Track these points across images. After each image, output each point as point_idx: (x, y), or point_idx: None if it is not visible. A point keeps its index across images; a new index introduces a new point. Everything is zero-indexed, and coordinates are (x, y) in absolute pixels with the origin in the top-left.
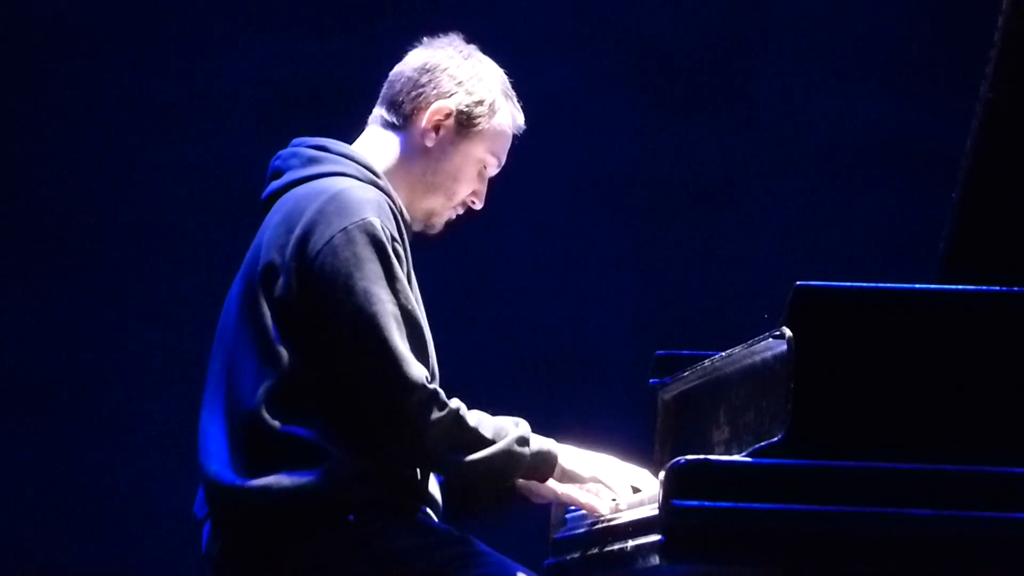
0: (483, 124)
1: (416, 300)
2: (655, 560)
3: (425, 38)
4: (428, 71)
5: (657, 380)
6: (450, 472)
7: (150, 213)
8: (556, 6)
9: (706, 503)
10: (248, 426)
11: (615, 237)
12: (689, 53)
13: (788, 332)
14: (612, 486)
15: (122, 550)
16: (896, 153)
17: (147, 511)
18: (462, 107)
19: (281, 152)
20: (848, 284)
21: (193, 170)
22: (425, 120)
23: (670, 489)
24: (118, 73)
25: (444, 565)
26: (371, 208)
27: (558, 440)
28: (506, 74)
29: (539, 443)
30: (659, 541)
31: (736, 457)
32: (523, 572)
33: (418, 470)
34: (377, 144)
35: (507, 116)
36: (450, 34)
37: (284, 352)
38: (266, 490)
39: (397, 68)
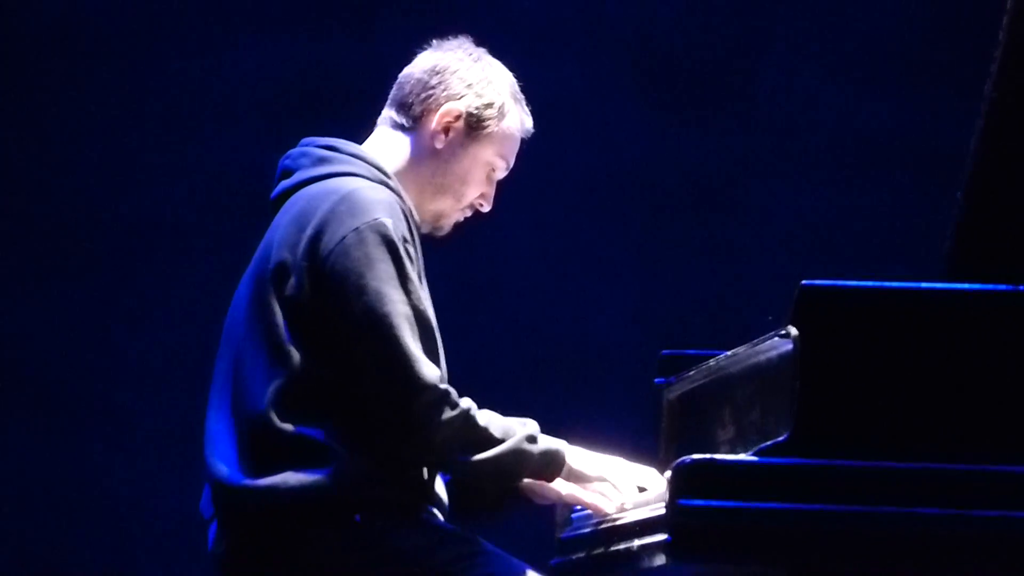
0: (492, 127)
1: (427, 300)
2: (661, 559)
3: (435, 40)
4: (438, 73)
5: (662, 379)
6: (459, 471)
7: (154, 213)
8: (559, 6)
9: (712, 502)
10: (256, 426)
11: (619, 236)
12: (692, 52)
13: (794, 331)
14: (618, 486)
15: (126, 550)
16: (900, 151)
17: (152, 510)
18: (471, 109)
19: (291, 151)
20: (854, 283)
21: (197, 170)
22: (435, 122)
23: (676, 488)
24: (121, 73)
25: (450, 564)
26: (383, 208)
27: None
28: (511, 72)
29: (547, 442)
30: (665, 540)
31: (742, 456)
32: (529, 571)
33: (425, 470)
34: (387, 145)
35: (516, 119)
36: (459, 37)
37: (294, 352)
38: (273, 490)
39: (407, 70)
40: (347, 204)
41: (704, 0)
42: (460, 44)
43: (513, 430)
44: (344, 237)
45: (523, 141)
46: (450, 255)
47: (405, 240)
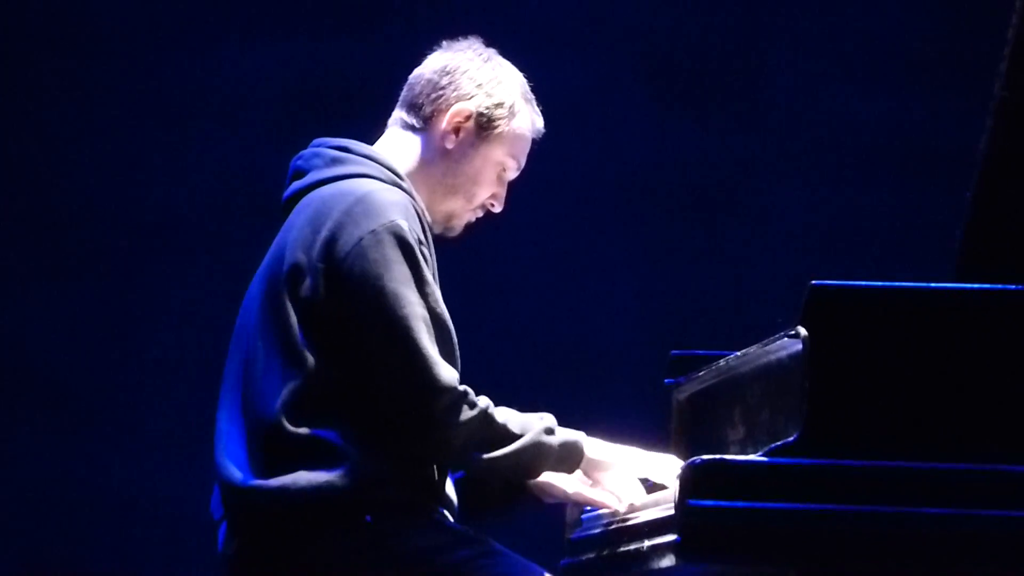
0: (502, 127)
1: (443, 302)
2: (671, 560)
3: (445, 41)
4: (448, 73)
5: (672, 380)
6: (480, 470)
7: (166, 213)
8: (566, 6)
9: (722, 503)
10: (267, 427)
11: (628, 236)
12: (699, 53)
13: (803, 331)
14: (631, 479)
15: (136, 550)
16: (909, 152)
17: (162, 511)
18: (482, 109)
19: (303, 152)
20: (863, 283)
21: (207, 170)
22: (445, 122)
23: (686, 489)
24: (130, 74)
25: (461, 565)
26: (398, 210)
27: None
28: (520, 74)
29: (565, 434)
30: (675, 541)
31: (752, 457)
32: (539, 572)
33: (436, 471)
34: (398, 146)
35: (526, 119)
36: (470, 37)
37: (307, 353)
38: (284, 490)
39: (417, 71)
40: (362, 206)
41: (714, 1)
42: (470, 44)
43: (531, 425)
44: (361, 239)
45: (535, 142)
46: (458, 256)
47: (420, 242)
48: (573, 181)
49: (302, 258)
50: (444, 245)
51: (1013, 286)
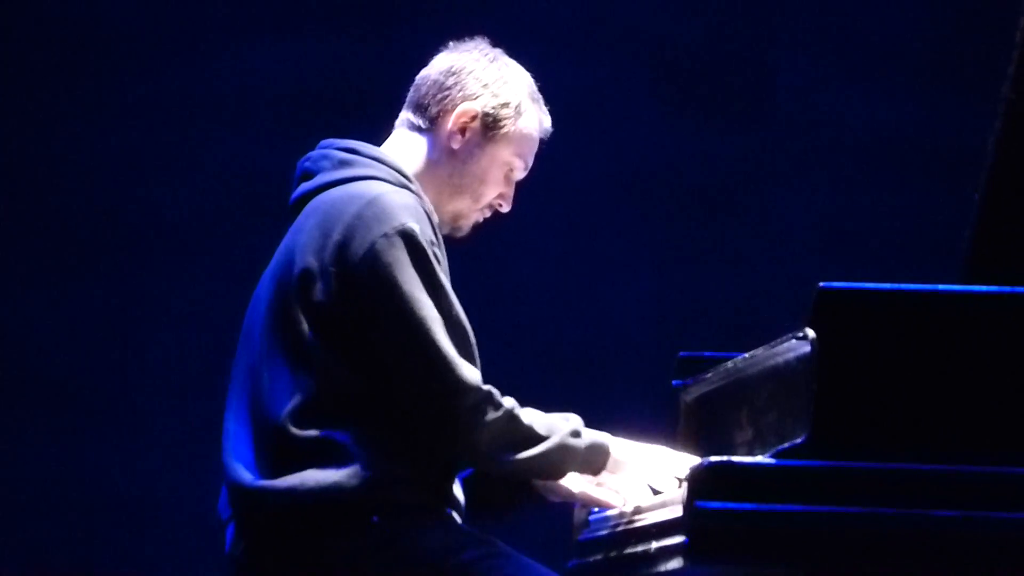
0: (509, 126)
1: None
2: (679, 562)
3: (451, 42)
4: (454, 74)
5: (680, 382)
6: (507, 470)
7: (171, 213)
8: (576, 8)
9: (730, 504)
10: (277, 429)
11: (636, 238)
12: (710, 54)
13: (811, 333)
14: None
15: (144, 551)
16: (918, 154)
17: (169, 512)
18: (488, 109)
19: (310, 154)
20: (872, 285)
21: (212, 172)
22: (451, 122)
23: (694, 490)
24: (135, 75)
25: (468, 566)
26: (409, 213)
27: None
28: (528, 73)
29: (591, 436)
30: (683, 543)
31: (759, 458)
32: (547, 573)
33: (444, 472)
34: (404, 147)
35: (533, 119)
36: (476, 38)
37: (319, 356)
38: (292, 491)
39: (423, 72)
40: (374, 209)
41: (721, 2)
42: (476, 45)
43: (557, 426)
44: (374, 243)
45: (542, 141)
46: (466, 257)
47: (432, 243)
48: (580, 183)
49: (313, 262)
50: (449, 248)
51: (1021, 288)
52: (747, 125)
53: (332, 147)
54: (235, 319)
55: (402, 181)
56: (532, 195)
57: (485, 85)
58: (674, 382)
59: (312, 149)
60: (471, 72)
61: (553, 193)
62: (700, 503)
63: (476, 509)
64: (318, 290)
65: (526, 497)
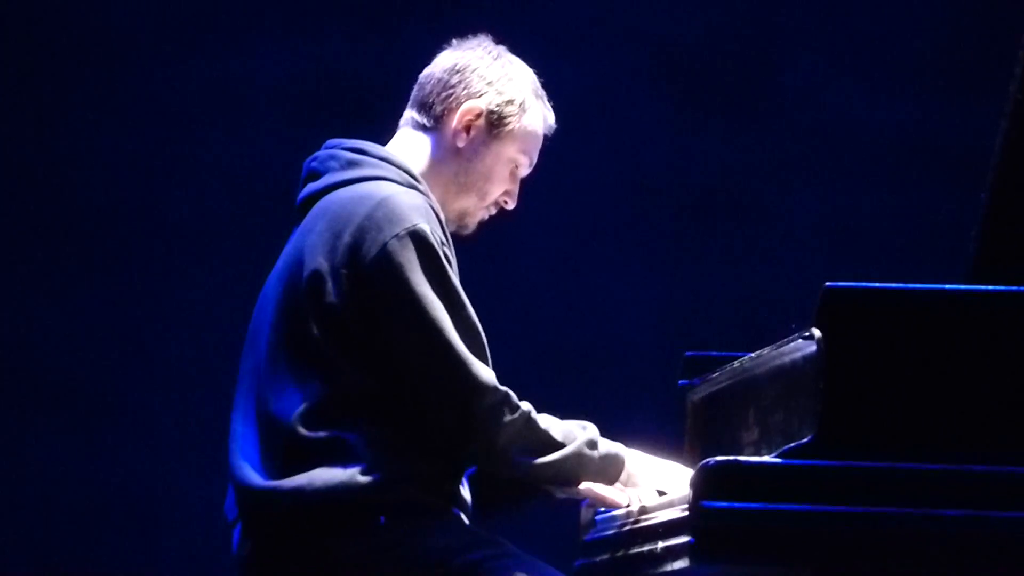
0: (514, 124)
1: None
2: (685, 561)
3: (454, 40)
4: (458, 72)
5: (686, 381)
6: (521, 473)
7: (180, 214)
8: (582, 8)
9: (736, 504)
10: (285, 430)
11: (643, 238)
12: (716, 54)
13: (817, 333)
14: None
15: (151, 551)
16: (924, 154)
17: (176, 512)
18: (492, 107)
19: (317, 154)
20: (878, 285)
21: (221, 171)
22: (456, 121)
23: (700, 490)
24: (141, 76)
25: (475, 566)
26: (420, 214)
27: None
28: (533, 72)
29: (607, 447)
30: (689, 542)
31: (766, 458)
32: (553, 573)
33: (451, 472)
34: (410, 146)
35: (538, 116)
36: (479, 35)
37: (329, 357)
38: (299, 492)
39: (427, 70)
40: (384, 210)
41: (727, 3)
42: (480, 42)
43: (574, 434)
44: (385, 244)
45: (547, 138)
46: (474, 256)
47: (442, 244)
48: (586, 183)
49: (323, 263)
50: (455, 248)
51: None
52: (752, 125)
53: (339, 147)
54: (242, 320)
55: (410, 181)
56: (538, 196)
57: (490, 83)
58: (680, 382)
59: (318, 149)
60: (475, 70)
61: (559, 194)
62: (706, 503)
63: (483, 507)
64: (328, 291)
65: (533, 495)
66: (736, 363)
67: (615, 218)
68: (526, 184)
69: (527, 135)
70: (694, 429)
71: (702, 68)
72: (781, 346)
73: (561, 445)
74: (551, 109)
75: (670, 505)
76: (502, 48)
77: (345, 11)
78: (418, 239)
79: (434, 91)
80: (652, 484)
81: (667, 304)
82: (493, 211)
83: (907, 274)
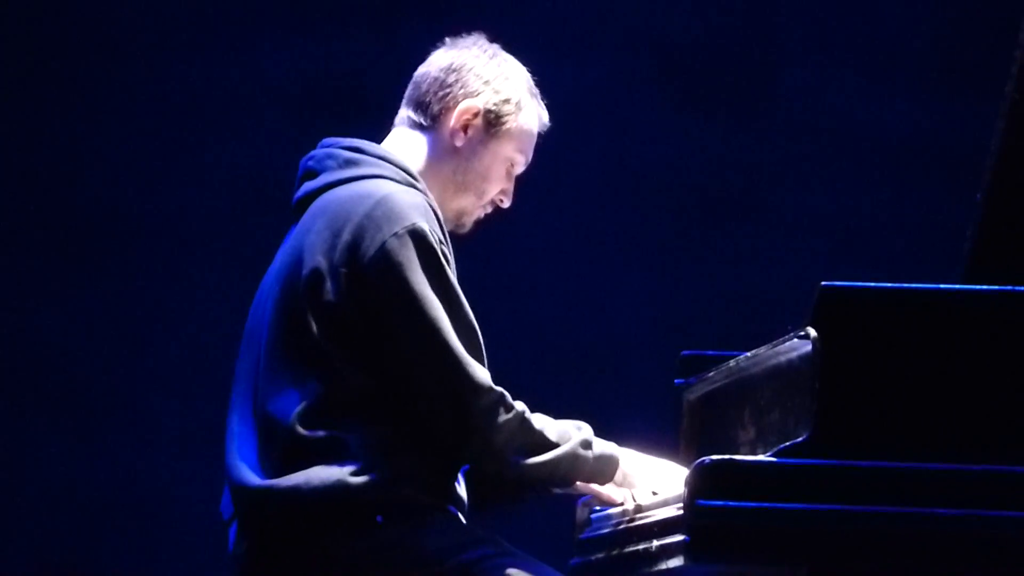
0: (511, 122)
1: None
2: (680, 560)
3: (448, 38)
4: (454, 71)
5: (682, 380)
6: (516, 473)
7: (177, 214)
8: (582, 6)
9: (731, 503)
10: (282, 430)
11: (640, 237)
12: (715, 53)
13: (813, 332)
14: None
15: (150, 550)
16: (921, 153)
17: (176, 511)
18: (490, 106)
19: (313, 153)
20: (874, 284)
21: (221, 171)
22: (454, 120)
23: (695, 489)
24: (142, 76)
25: (472, 565)
26: (419, 213)
27: None
28: (531, 73)
29: (602, 447)
30: (684, 541)
31: (761, 457)
32: (549, 572)
33: (447, 470)
34: (407, 145)
35: (533, 114)
36: (474, 34)
37: (327, 357)
38: (295, 491)
39: (422, 69)
40: (383, 209)
41: (727, 2)
42: (475, 41)
43: (568, 434)
44: (384, 243)
45: (541, 136)
46: (472, 255)
47: (441, 243)
48: (585, 182)
49: (322, 262)
50: (457, 244)
51: (1023, 288)
52: (751, 124)
53: (336, 146)
54: (240, 319)
55: (409, 180)
56: (536, 194)
57: (486, 82)
58: (676, 381)
59: (315, 148)
60: (471, 69)
61: (557, 192)
62: (702, 501)
63: (479, 505)
64: (327, 290)
65: (529, 492)
66: (732, 362)
67: (613, 217)
68: (524, 182)
69: (523, 133)
70: (690, 428)
71: (702, 67)
72: (777, 345)
73: (556, 445)
74: (544, 107)
75: (665, 504)
76: (496, 46)
77: (346, 11)
78: (417, 238)
79: (430, 90)
80: (648, 484)
81: (663, 303)
82: (489, 209)
83: (903, 274)
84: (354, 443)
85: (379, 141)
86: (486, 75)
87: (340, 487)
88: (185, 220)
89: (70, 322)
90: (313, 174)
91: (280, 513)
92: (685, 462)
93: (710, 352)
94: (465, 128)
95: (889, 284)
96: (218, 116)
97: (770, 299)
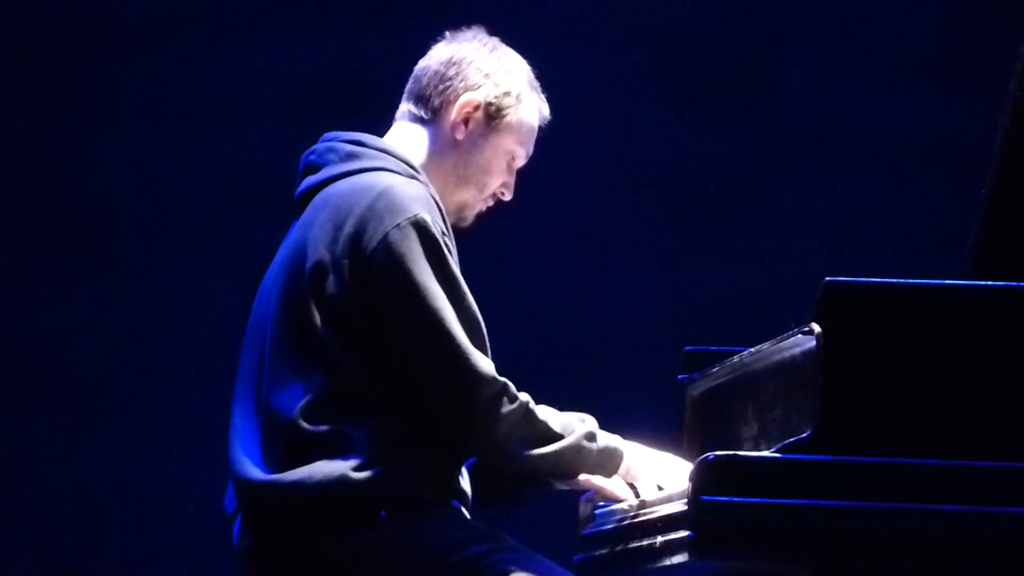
0: (511, 115)
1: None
2: (684, 556)
3: (448, 32)
4: (455, 64)
5: (686, 376)
6: (519, 465)
7: (180, 211)
8: (582, 3)
9: (735, 499)
10: (286, 424)
11: (643, 233)
12: (717, 50)
13: (817, 328)
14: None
15: (153, 545)
16: (925, 149)
17: (178, 507)
18: (490, 99)
19: (315, 147)
20: (877, 280)
21: (223, 168)
22: (454, 113)
23: (699, 484)
24: (142, 73)
25: (475, 560)
26: (421, 204)
27: None
28: (533, 69)
29: (606, 440)
30: (688, 536)
31: (765, 453)
32: (553, 567)
33: (452, 465)
34: (408, 139)
35: (533, 107)
36: (473, 27)
37: (332, 350)
38: (299, 485)
39: (422, 63)
40: (385, 200)
41: (728, 0)
42: (474, 35)
43: (572, 426)
44: (387, 234)
45: (542, 130)
46: (474, 251)
47: (443, 234)
48: (588, 178)
49: (325, 255)
50: (459, 239)
51: None
52: (753, 121)
53: (337, 140)
54: (241, 318)
55: (410, 172)
56: (539, 191)
57: (487, 75)
58: (680, 376)
59: (315, 144)
60: (471, 62)
61: (559, 189)
62: (705, 497)
63: (483, 499)
64: (331, 283)
65: (533, 486)
66: (735, 358)
67: (616, 213)
68: (527, 179)
69: (524, 126)
70: (693, 424)
71: (703, 65)
72: (780, 341)
73: (559, 437)
74: (544, 100)
75: (669, 499)
76: (496, 40)
77: (347, 10)
78: (419, 229)
79: (431, 84)
80: (651, 478)
81: (667, 299)
82: (491, 203)
83: (907, 269)
84: (357, 437)
85: (377, 136)
86: (486, 68)
87: (343, 482)
88: (186, 219)
89: (71, 320)
90: (315, 168)
91: (284, 508)
92: (688, 458)
93: (713, 348)
94: (466, 121)
95: (893, 280)
96: (218, 115)
97: (773, 295)
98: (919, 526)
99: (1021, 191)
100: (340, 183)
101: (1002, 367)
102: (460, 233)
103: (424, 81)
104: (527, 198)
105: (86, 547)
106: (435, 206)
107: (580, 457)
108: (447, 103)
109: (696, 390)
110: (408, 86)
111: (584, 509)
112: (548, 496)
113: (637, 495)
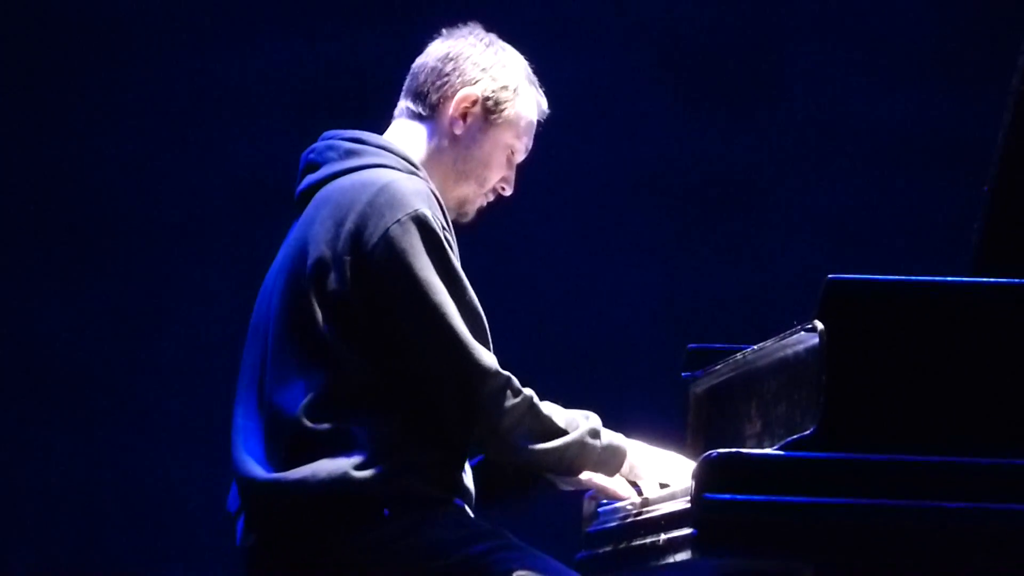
0: (509, 110)
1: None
2: (687, 553)
3: (444, 29)
4: (452, 60)
5: (689, 373)
6: (523, 459)
7: (183, 210)
8: (585, 0)
9: (738, 496)
10: (292, 423)
11: (646, 230)
12: (720, 47)
13: (820, 325)
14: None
15: (157, 545)
16: (927, 146)
17: (181, 506)
18: (488, 93)
19: (314, 145)
20: (880, 277)
21: (224, 167)
22: (452, 108)
23: (702, 482)
24: (145, 73)
25: (478, 559)
26: (421, 199)
27: None
28: (536, 67)
29: (610, 437)
30: (691, 534)
31: (768, 450)
32: (556, 565)
33: (455, 462)
34: (407, 136)
35: (532, 101)
36: (470, 23)
37: (334, 347)
38: (302, 483)
39: (419, 59)
40: (385, 196)
41: None
42: (471, 30)
43: (576, 422)
44: (387, 229)
45: (542, 125)
46: (476, 248)
47: (444, 229)
48: (591, 175)
49: (327, 252)
50: (461, 237)
51: None
52: (756, 117)
53: (337, 137)
54: (243, 317)
55: (410, 168)
56: (541, 187)
57: (484, 69)
58: (683, 374)
59: (315, 142)
60: (468, 57)
61: (562, 186)
62: (708, 495)
63: (487, 497)
64: (332, 279)
65: (537, 485)
66: (739, 355)
67: (618, 210)
68: (529, 177)
69: (522, 120)
70: (696, 421)
71: (705, 61)
72: (784, 338)
73: (563, 432)
74: (543, 94)
75: (672, 497)
76: (493, 35)
77: (347, 10)
78: (420, 224)
79: (428, 80)
80: (654, 475)
81: (670, 296)
82: (491, 198)
83: (910, 266)
84: (360, 435)
85: (378, 134)
86: (484, 63)
87: (346, 480)
88: (186, 218)
89: (72, 320)
90: (315, 166)
91: (287, 506)
92: (692, 455)
93: (717, 345)
94: (464, 116)
95: (896, 277)
96: (219, 114)
97: (776, 292)
98: (923, 523)
99: (1023, 187)
100: (340, 180)
101: (1005, 364)
102: (462, 232)
103: (421, 78)
104: (529, 197)
105: (86, 547)
106: (436, 201)
107: (584, 453)
108: (445, 99)
109: (699, 388)
110: (406, 83)
111: (587, 506)
112: (552, 496)
113: (640, 493)
